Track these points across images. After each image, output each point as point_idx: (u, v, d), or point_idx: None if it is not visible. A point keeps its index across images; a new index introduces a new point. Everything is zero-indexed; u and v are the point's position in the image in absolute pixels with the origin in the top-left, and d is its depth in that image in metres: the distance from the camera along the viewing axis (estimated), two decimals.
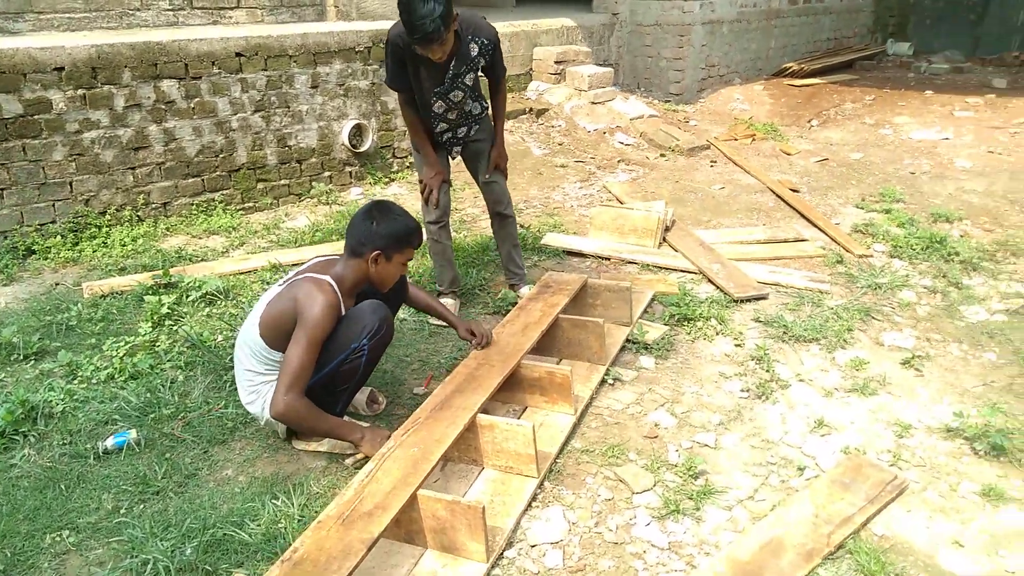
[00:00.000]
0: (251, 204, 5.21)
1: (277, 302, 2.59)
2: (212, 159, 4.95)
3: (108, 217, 4.64)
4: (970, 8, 11.98)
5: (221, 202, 5.05)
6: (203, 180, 4.96)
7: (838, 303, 3.83)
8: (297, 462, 2.71)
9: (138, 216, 4.75)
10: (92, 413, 2.96)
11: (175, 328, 3.59)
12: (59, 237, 4.49)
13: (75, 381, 3.18)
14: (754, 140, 6.81)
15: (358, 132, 5.63)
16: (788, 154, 6.44)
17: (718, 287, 4.01)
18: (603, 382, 3.15)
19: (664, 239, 4.63)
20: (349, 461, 2.63)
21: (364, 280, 2.69)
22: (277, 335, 2.57)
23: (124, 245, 4.53)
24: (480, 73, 3.35)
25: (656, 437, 2.80)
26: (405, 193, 5.67)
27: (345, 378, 2.63)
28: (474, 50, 3.21)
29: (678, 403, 3.02)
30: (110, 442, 2.78)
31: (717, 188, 5.71)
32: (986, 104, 7.30)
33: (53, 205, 4.46)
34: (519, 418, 2.88)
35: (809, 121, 7.39)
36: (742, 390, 3.11)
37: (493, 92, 3.51)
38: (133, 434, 2.80)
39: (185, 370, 3.24)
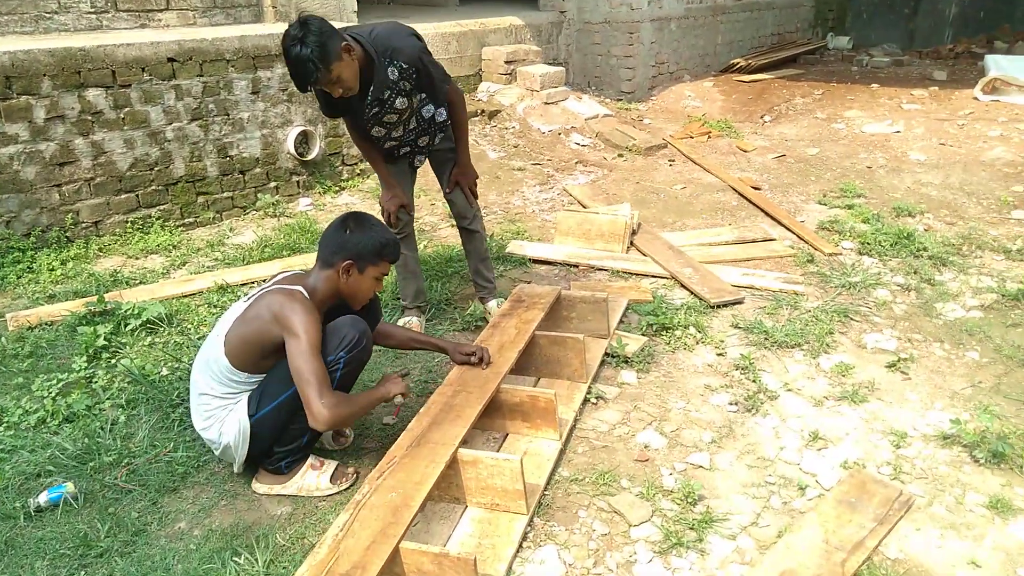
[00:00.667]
0: (192, 219, 4.86)
1: (245, 319, 2.34)
2: (146, 173, 4.59)
3: (33, 239, 4.25)
4: (904, 2, 12.25)
5: (159, 218, 4.69)
6: (137, 196, 4.60)
7: (815, 305, 3.74)
8: (259, 509, 2.45)
9: (67, 237, 4.37)
10: (21, 465, 2.63)
11: (114, 362, 3.27)
12: None
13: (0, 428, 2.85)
14: (710, 138, 6.74)
15: (304, 139, 5.33)
16: (745, 151, 6.38)
17: (692, 292, 3.87)
18: (586, 401, 2.97)
19: (632, 243, 4.48)
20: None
21: (335, 294, 2.47)
22: (246, 355, 2.33)
23: (52, 270, 4.15)
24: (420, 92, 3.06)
25: (647, 460, 2.63)
26: (357, 202, 5.39)
27: None
28: (393, 74, 2.89)
29: (666, 420, 2.86)
30: (43, 498, 2.47)
31: (679, 188, 5.60)
32: (931, 96, 7.39)
33: None
34: (500, 447, 2.67)
35: (762, 117, 7.37)
36: (731, 403, 2.97)
37: (445, 108, 3.20)
38: (70, 487, 2.50)
39: (127, 409, 2.93)
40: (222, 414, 2.40)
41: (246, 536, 2.32)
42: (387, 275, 2.59)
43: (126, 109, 4.40)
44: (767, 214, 4.99)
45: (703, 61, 8.91)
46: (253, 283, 4.01)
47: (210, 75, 4.69)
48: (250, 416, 2.37)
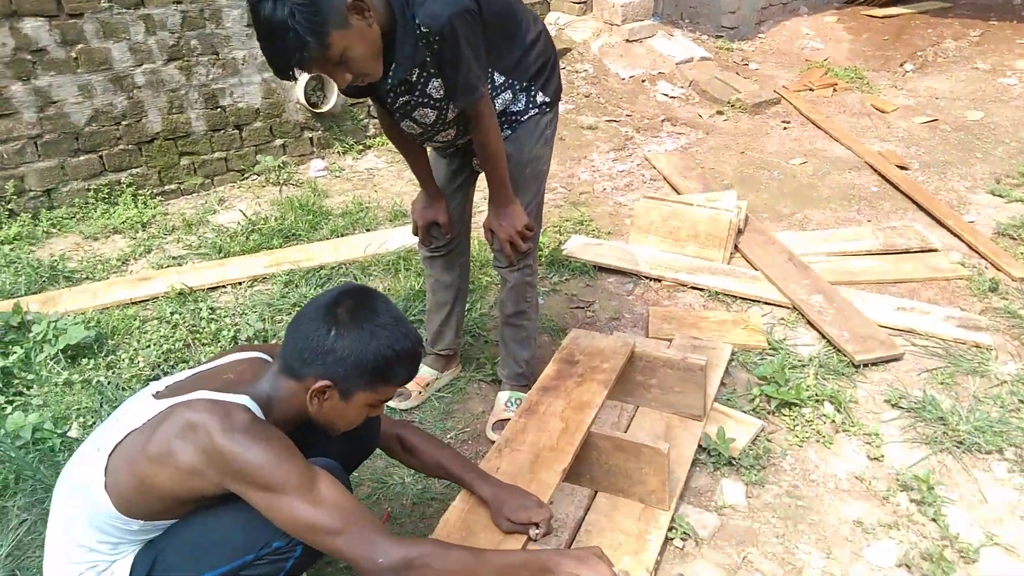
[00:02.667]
0: (175, 186, 3.89)
1: (149, 451, 1.33)
2: (112, 128, 3.61)
3: None
4: None
5: (131, 185, 3.73)
6: (101, 157, 3.63)
7: (1012, 370, 2.53)
8: None
9: (8, 210, 3.46)
10: None
11: (7, 411, 2.36)
12: None
13: None
14: (835, 91, 5.33)
15: (319, 85, 4.25)
16: (882, 111, 4.98)
17: (826, 337, 2.70)
18: (667, 542, 1.90)
19: (736, 247, 3.30)
20: None
21: (301, 415, 1.47)
22: (147, 503, 1.35)
23: None
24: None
25: None
26: (383, 167, 4.32)
27: None
28: (407, 47, 1.75)
29: None
30: None
31: (797, 163, 4.30)
32: None
33: None
34: None
35: (902, 65, 5.86)
36: (900, 565, 1.86)
37: (472, 121, 1.99)
38: None
39: None
40: (114, 570, 1.41)
41: None
42: (388, 401, 1.54)
43: (79, 46, 3.39)
44: (920, 207, 3.69)
45: None
46: (222, 287, 3.03)
47: (191, 2, 3.62)
48: None
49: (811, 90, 5.37)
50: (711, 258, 3.20)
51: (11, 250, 3.32)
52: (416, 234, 2.31)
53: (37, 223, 3.51)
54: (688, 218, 3.25)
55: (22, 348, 2.58)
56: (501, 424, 2.28)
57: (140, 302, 2.95)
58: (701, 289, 3.04)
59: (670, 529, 1.92)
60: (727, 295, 3.00)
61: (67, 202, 3.60)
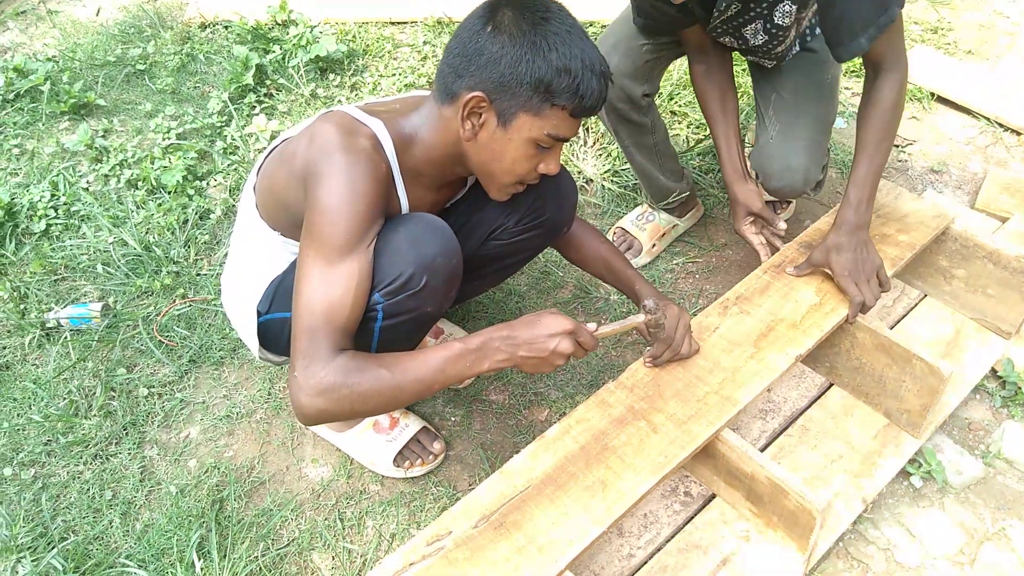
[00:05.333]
0: None
1: (284, 152, 1.23)
2: None
3: None
4: None
5: None
6: None
7: None
8: (291, 453, 1.56)
9: None
10: (70, 250, 1.98)
11: (257, 111, 2.38)
12: None
13: (92, 173, 2.19)
14: None
15: None
16: None
17: None
18: (903, 474, 1.50)
19: None
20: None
21: (451, 155, 1.22)
22: (271, 206, 1.28)
23: None
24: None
25: None
26: None
27: None
28: None
29: None
30: (64, 315, 1.81)
31: None
32: None
33: None
34: (691, 519, 1.40)
35: None
36: None
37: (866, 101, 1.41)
38: (95, 312, 1.80)
39: (229, 197, 2.10)
40: (246, 279, 1.37)
41: (236, 500, 1.47)
42: (569, 139, 1.20)
43: None
44: None
45: None
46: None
47: None
48: (259, 313, 1.35)
49: None
50: None
51: None
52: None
53: None
54: None
55: (280, 48, 2.55)
56: None
57: (398, 23, 2.77)
58: None
59: (912, 461, 1.50)
60: None
61: None
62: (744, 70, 2.30)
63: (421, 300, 1.18)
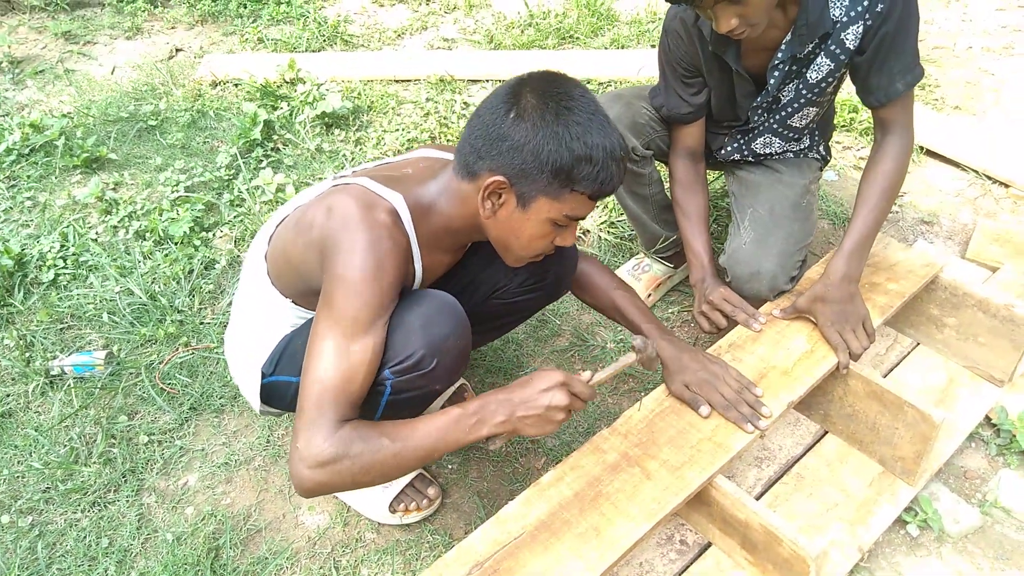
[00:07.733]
0: None
1: (300, 221, 1.25)
2: None
3: None
4: None
5: None
6: None
7: None
8: (288, 501, 1.56)
9: None
10: (77, 299, 2.02)
11: (263, 164, 2.45)
12: None
13: (101, 224, 2.25)
14: None
15: None
16: None
17: None
18: (899, 523, 1.50)
19: None
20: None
21: (470, 227, 1.26)
22: (284, 274, 1.31)
23: (280, 3, 3.34)
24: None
25: None
26: None
27: None
28: (837, 10, 1.39)
29: None
30: (68, 364, 1.84)
31: None
32: None
33: None
34: (687, 568, 1.40)
35: None
36: None
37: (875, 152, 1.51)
38: (99, 360, 1.83)
39: (234, 249, 2.14)
40: (249, 342, 1.40)
41: (232, 548, 1.47)
42: (584, 218, 1.24)
43: None
44: None
45: None
46: (483, 83, 2.82)
47: None
48: (263, 374, 1.37)
49: None
50: None
51: (304, 2, 3.37)
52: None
53: None
54: None
55: (288, 105, 2.63)
56: None
57: (402, 81, 2.86)
58: None
59: (908, 510, 1.50)
60: None
61: None
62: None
63: (431, 379, 1.20)
